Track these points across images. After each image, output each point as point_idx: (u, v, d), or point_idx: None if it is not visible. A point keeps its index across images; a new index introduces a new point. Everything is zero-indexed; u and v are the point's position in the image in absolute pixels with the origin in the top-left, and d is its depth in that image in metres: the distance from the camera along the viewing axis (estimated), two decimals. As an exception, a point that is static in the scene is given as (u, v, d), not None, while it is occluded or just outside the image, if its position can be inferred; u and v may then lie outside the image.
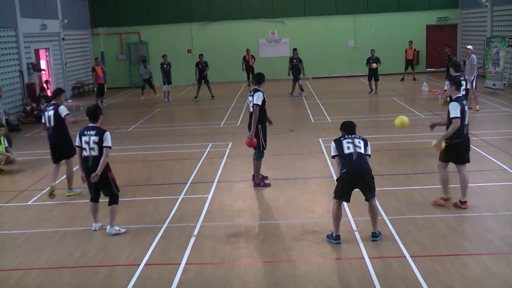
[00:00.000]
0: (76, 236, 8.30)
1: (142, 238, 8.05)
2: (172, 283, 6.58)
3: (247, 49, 27.79)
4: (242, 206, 9.32)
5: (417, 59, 28.99)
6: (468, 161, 8.77)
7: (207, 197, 9.82)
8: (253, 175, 10.53)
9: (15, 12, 21.37)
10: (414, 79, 26.85)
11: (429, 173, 10.79)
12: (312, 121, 16.91)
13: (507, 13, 23.97)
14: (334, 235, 7.61)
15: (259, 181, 10.40)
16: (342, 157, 7.52)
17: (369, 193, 7.54)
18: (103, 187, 8.22)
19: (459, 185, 8.75)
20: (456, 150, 8.53)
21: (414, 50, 27.54)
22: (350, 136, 7.69)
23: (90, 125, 8.25)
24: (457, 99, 8.46)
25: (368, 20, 30.08)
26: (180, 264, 7.08)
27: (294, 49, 23.65)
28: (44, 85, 22.93)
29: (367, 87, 23.66)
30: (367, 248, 7.26)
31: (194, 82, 24.76)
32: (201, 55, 24.02)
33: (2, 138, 12.67)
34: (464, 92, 11.56)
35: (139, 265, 7.11)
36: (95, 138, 8.05)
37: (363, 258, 7.00)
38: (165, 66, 23.88)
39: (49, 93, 22.74)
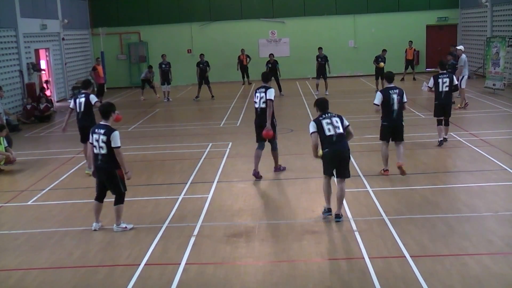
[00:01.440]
0: (76, 236, 8.30)
1: (142, 238, 8.05)
2: (172, 283, 6.57)
3: (242, 49, 28.03)
4: (242, 206, 9.32)
5: (417, 59, 29.00)
6: (402, 140, 10.66)
7: (207, 197, 9.82)
8: (256, 172, 10.99)
9: (15, 12, 21.35)
10: (414, 79, 26.87)
11: (429, 173, 10.80)
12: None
13: (507, 13, 23.96)
14: (326, 209, 8.39)
15: (279, 166, 11.38)
16: (323, 137, 8.34)
17: (344, 171, 8.43)
18: (110, 183, 8.18)
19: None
20: (389, 130, 10.65)
21: (414, 50, 27.55)
22: (327, 114, 8.46)
23: (101, 123, 8.27)
24: (382, 90, 10.87)
25: (368, 20, 30.07)
26: (180, 264, 7.07)
27: (319, 48, 23.51)
28: (44, 85, 22.93)
29: (367, 87, 23.68)
30: (367, 248, 7.26)
31: (194, 82, 24.79)
32: (202, 55, 24.06)
33: (2, 138, 12.67)
34: (446, 89, 12.70)
35: (139, 265, 7.11)
36: (104, 138, 8.05)
37: (363, 258, 7.00)
38: (163, 66, 23.84)
39: (48, 93, 22.78)
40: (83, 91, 11.89)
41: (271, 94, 10.64)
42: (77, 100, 11.68)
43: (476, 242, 7.36)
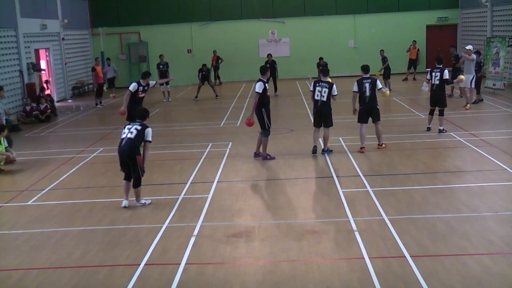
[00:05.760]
0: (76, 236, 8.31)
1: (142, 238, 8.05)
2: (172, 283, 6.57)
3: (214, 51, 28.35)
4: (242, 206, 9.32)
5: (419, 59, 28.96)
6: (378, 120, 12.61)
7: (207, 197, 9.82)
8: (255, 152, 12.49)
9: (15, 12, 21.34)
10: (414, 79, 26.88)
11: (429, 173, 10.80)
12: (312, 121, 16.88)
13: (507, 13, 23.95)
14: (313, 147, 12.46)
15: (266, 155, 12.25)
16: (313, 99, 12.24)
17: (326, 123, 12.24)
18: (131, 166, 9.16)
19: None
20: (364, 113, 12.59)
21: (418, 50, 27.56)
22: (322, 83, 12.13)
23: (138, 121, 9.44)
24: (357, 80, 12.66)
25: (368, 20, 30.07)
26: (180, 264, 7.07)
27: (320, 58, 23.97)
28: (44, 85, 22.92)
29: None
30: (367, 248, 7.25)
31: (194, 82, 24.86)
32: (204, 65, 23.96)
33: (2, 138, 12.66)
34: (437, 82, 14.01)
35: (139, 265, 7.11)
36: (138, 127, 9.25)
37: (363, 258, 7.00)
38: (161, 66, 23.83)
39: (48, 92, 22.76)
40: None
41: (257, 87, 11.80)
42: None
43: (476, 242, 7.36)
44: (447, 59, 22.23)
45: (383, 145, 12.75)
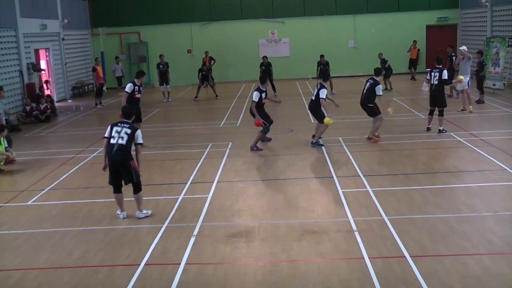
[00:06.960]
0: (76, 236, 8.31)
1: (142, 238, 8.05)
2: (172, 283, 6.57)
3: (206, 51, 27.62)
4: (242, 206, 9.32)
5: (419, 59, 28.98)
6: (372, 116, 13.43)
7: (207, 197, 9.82)
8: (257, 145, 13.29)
9: (15, 12, 21.34)
10: (414, 79, 26.88)
11: (429, 173, 10.80)
12: (312, 121, 16.85)
13: (507, 13, 23.94)
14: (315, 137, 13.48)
15: (254, 146, 13.19)
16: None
17: (317, 118, 13.23)
18: (124, 173, 8.71)
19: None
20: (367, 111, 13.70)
21: (418, 50, 27.56)
22: (318, 86, 13.08)
23: (124, 120, 8.93)
24: (374, 78, 13.55)
25: (368, 20, 30.07)
26: (180, 264, 7.07)
27: (321, 56, 23.92)
28: (44, 85, 22.91)
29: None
30: (367, 248, 7.26)
31: (194, 82, 24.83)
32: (203, 64, 23.98)
33: (2, 138, 12.66)
34: (436, 82, 14.19)
35: (139, 265, 7.11)
36: (128, 130, 8.73)
37: (363, 258, 7.00)
38: (161, 66, 23.86)
39: (47, 92, 22.75)
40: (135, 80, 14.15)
41: (254, 96, 13.05)
42: None
43: (476, 242, 7.36)
44: (446, 59, 22.33)
45: (371, 139, 13.31)
